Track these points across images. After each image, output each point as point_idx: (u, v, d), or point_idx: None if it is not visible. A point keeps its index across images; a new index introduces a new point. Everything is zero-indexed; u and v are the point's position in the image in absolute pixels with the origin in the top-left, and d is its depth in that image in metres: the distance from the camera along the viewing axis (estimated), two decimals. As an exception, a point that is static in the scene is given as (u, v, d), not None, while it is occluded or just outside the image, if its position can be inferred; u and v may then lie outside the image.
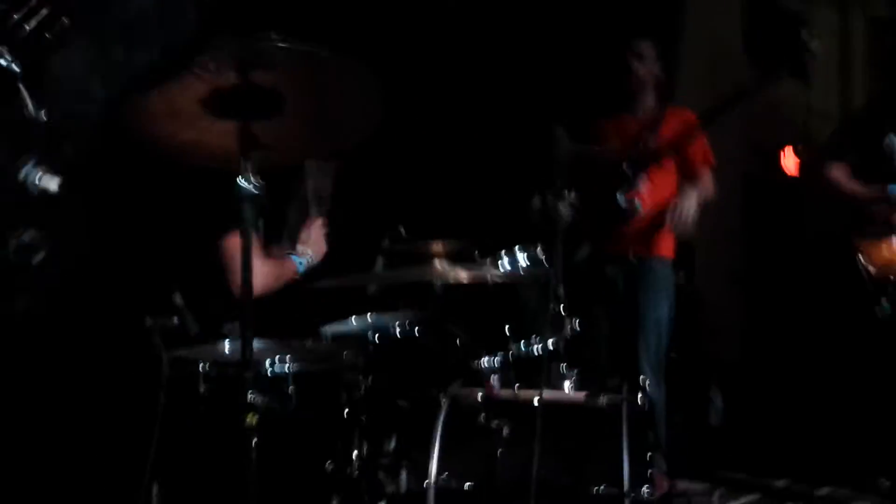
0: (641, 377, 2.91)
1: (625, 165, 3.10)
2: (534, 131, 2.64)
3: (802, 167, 2.97)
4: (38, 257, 1.33)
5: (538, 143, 2.43)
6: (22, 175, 1.31)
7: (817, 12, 6.29)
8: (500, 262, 2.43)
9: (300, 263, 2.34)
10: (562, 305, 2.38)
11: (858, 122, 3.06)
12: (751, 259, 5.70)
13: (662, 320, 3.19)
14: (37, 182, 1.29)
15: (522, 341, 2.38)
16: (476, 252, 2.41)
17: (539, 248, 2.48)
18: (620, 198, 3.07)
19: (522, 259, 2.46)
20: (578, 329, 2.46)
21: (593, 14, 4.02)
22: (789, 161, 5.91)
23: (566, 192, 2.31)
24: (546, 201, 2.59)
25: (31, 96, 1.35)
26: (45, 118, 1.36)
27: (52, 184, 1.33)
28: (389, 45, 3.00)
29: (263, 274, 2.13)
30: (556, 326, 2.38)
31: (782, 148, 5.88)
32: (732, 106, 2.93)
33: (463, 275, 2.29)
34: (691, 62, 4.82)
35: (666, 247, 3.23)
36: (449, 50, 3.45)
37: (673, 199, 3.09)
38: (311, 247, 2.35)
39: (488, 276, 2.39)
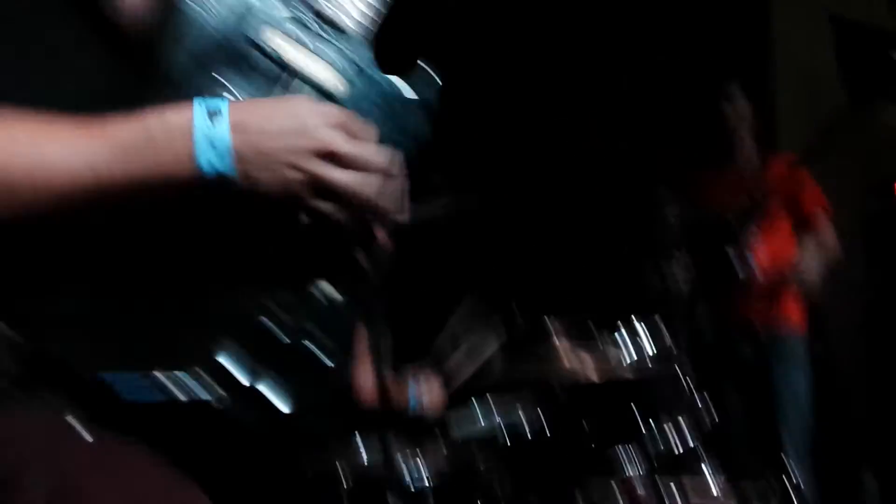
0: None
1: (733, 221, 2.75)
2: (634, 191, 2.54)
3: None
4: None
5: (640, 204, 2.28)
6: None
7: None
8: (619, 336, 2.23)
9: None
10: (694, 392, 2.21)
11: None
12: (877, 311, 4.99)
13: (802, 396, 2.73)
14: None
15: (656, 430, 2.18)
16: (591, 325, 2.06)
17: (657, 318, 2.27)
18: (733, 256, 2.70)
19: (642, 331, 2.26)
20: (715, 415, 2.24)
21: (678, 63, 3.70)
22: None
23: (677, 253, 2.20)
24: (660, 266, 2.39)
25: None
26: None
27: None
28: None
29: None
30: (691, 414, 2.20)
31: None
32: (833, 140, 2.59)
33: (590, 367, 2.13)
34: (786, 99, 4.38)
35: (796, 314, 2.80)
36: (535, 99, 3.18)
37: (793, 255, 2.82)
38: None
39: (617, 369, 2.19)
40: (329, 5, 0.90)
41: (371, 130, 0.88)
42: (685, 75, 3.66)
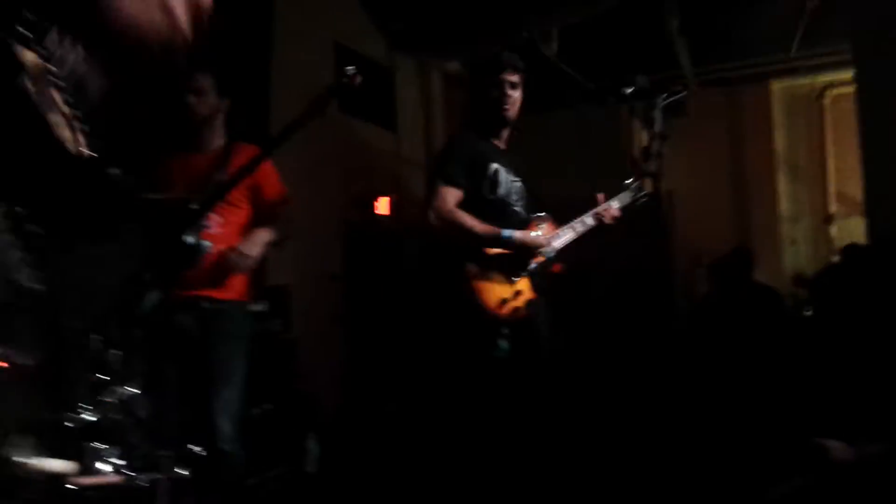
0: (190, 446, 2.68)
1: (192, 205, 2.85)
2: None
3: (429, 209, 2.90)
4: None
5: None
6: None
7: (401, 67, 6.79)
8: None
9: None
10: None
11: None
12: (351, 303, 5.81)
13: (241, 370, 2.97)
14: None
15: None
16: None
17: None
18: (188, 239, 2.82)
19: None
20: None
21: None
22: (383, 207, 6.24)
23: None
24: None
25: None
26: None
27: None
28: None
29: None
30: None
31: (377, 196, 6.20)
32: (291, 132, 2.85)
33: None
34: (282, 106, 4.80)
35: (241, 289, 3.03)
36: None
37: (243, 236, 2.96)
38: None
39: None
40: None
41: None
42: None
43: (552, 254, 2.97)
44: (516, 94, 3.03)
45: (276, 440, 4.09)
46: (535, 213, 3.10)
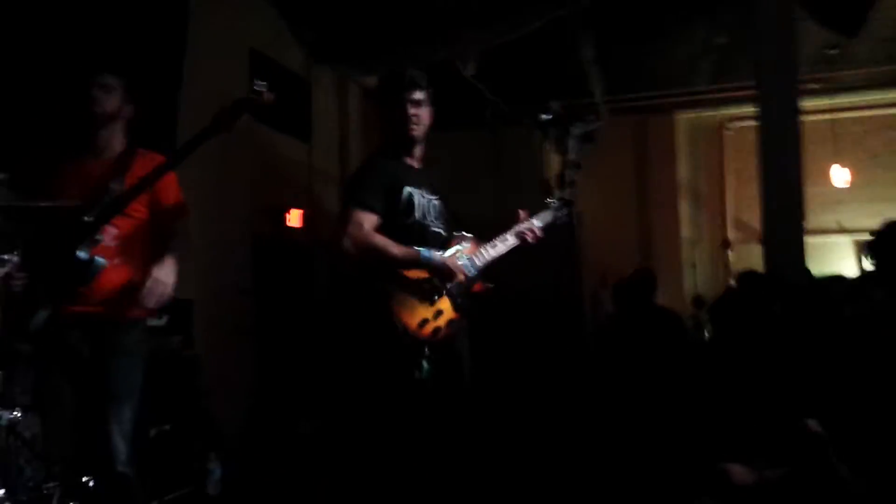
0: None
1: (86, 217, 2.69)
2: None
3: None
4: None
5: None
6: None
7: (318, 78, 6.71)
8: None
9: None
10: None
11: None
12: (261, 318, 5.66)
13: (136, 388, 2.82)
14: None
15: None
16: None
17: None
18: (80, 254, 2.65)
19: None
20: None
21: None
22: (295, 219, 6.12)
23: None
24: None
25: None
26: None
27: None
28: None
29: None
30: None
31: (289, 208, 6.08)
32: (195, 145, 2.73)
33: None
34: (193, 102, 4.63)
35: (139, 306, 2.87)
36: None
37: (147, 271, 2.72)
38: None
39: None
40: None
41: None
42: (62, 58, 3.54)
43: (474, 273, 2.96)
44: (422, 112, 2.97)
45: (177, 461, 3.93)
46: (455, 230, 3.07)
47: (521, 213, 3.14)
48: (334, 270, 2.97)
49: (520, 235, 3.07)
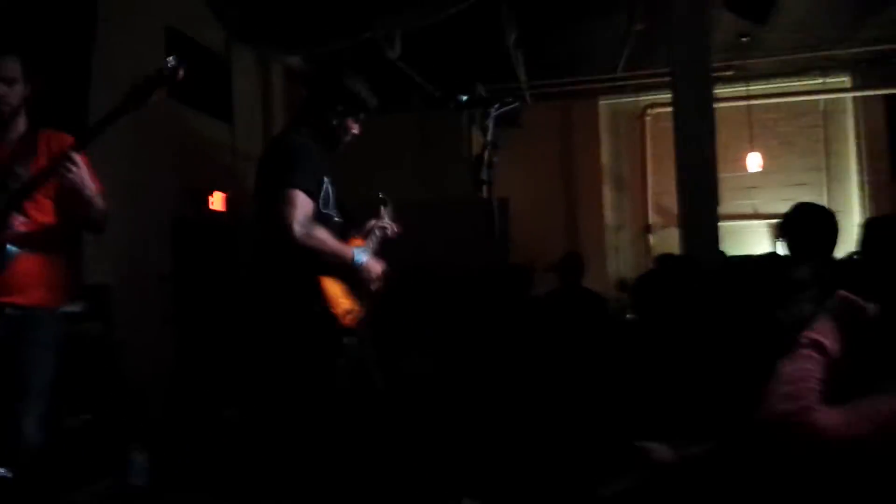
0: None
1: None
2: None
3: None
4: None
5: None
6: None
7: (239, 58, 6.55)
8: None
9: None
10: None
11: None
12: (182, 304, 5.51)
13: (49, 376, 2.72)
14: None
15: None
16: None
17: None
18: None
19: None
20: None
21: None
22: (218, 202, 5.98)
23: None
24: None
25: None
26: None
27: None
28: None
29: None
30: None
31: (212, 191, 5.94)
32: (105, 125, 2.62)
33: None
34: (105, 81, 4.44)
35: (53, 294, 2.77)
36: None
37: (60, 258, 2.72)
38: None
39: None
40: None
41: None
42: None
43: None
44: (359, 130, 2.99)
45: (98, 451, 3.82)
46: (341, 217, 3.00)
47: (383, 211, 3.24)
48: (259, 252, 2.88)
49: (382, 231, 3.17)
